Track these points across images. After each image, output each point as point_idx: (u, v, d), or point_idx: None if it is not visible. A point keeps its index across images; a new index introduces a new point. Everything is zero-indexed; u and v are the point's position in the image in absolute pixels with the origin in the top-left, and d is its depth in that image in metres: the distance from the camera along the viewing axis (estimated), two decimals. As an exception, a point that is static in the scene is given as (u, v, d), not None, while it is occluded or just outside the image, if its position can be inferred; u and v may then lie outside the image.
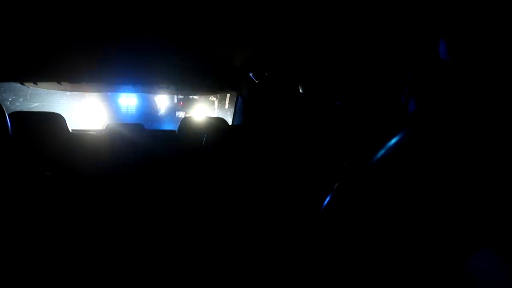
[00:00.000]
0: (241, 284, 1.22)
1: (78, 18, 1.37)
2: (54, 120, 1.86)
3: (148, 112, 6.65)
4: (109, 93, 6.22)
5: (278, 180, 1.38)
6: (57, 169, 1.30)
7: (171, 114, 7.05)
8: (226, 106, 7.28)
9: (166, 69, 2.07)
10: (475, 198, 0.48)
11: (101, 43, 1.69)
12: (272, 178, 1.38)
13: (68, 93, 6.00)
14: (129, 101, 6.49)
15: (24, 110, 2.72)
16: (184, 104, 7.10)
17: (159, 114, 6.96)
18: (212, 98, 7.27)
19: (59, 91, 5.42)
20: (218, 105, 7.38)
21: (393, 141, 0.51)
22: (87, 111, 6.24)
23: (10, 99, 5.79)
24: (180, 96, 6.90)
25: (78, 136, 1.99)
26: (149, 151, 2.05)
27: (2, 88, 5.64)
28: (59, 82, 2.02)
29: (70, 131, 1.92)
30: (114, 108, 6.40)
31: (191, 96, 6.86)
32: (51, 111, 1.90)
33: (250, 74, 2.00)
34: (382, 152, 0.52)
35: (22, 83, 2.05)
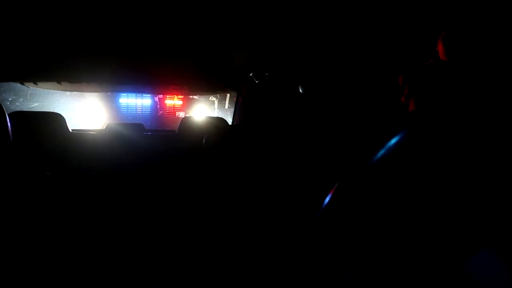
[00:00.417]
0: (241, 284, 1.22)
1: (78, 18, 1.37)
2: (54, 120, 1.86)
3: (148, 112, 6.64)
4: (109, 93, 6.21)
5: (278, 180, 1.38)
6: (57, 169, 1.31)
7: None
8: (226, 106, 7.27)
9: (166, 69, 2.07)
10: (475, 198, 0.48)
11: (101, 43, 1.69)
12: (272, 178, 1.38)
13: (68, 93, 5.99)
14: (129, 101, 6.48)
15: (24, 110, 2.72)
16: (184, 103, 7.09)
17: (159, 114, 6.95)
18: (212, 98, 7.26)
19: (59, 91, 5.41)
20: (218, 105, 7.37)
21: (393, 141, 0.51)
22: (87, 111, 6.23)
23: (10, 99, 5.78)
24: (180, 96, 6.89)
25: (78, 136, 1.99)
26: (149, 151, 2.05)
27: (2, 88, 5.64)
28: (59, 82, 2.02)
29: (70, 131, 1.92)
30: (114, 108, 6.39)
31: (191, 96, 6.86)
32: (51, 111, 1.91)
33: (250, 74, 2.00)
34: (382, 152, 0.52)
35: (22, 83, 2.05)
